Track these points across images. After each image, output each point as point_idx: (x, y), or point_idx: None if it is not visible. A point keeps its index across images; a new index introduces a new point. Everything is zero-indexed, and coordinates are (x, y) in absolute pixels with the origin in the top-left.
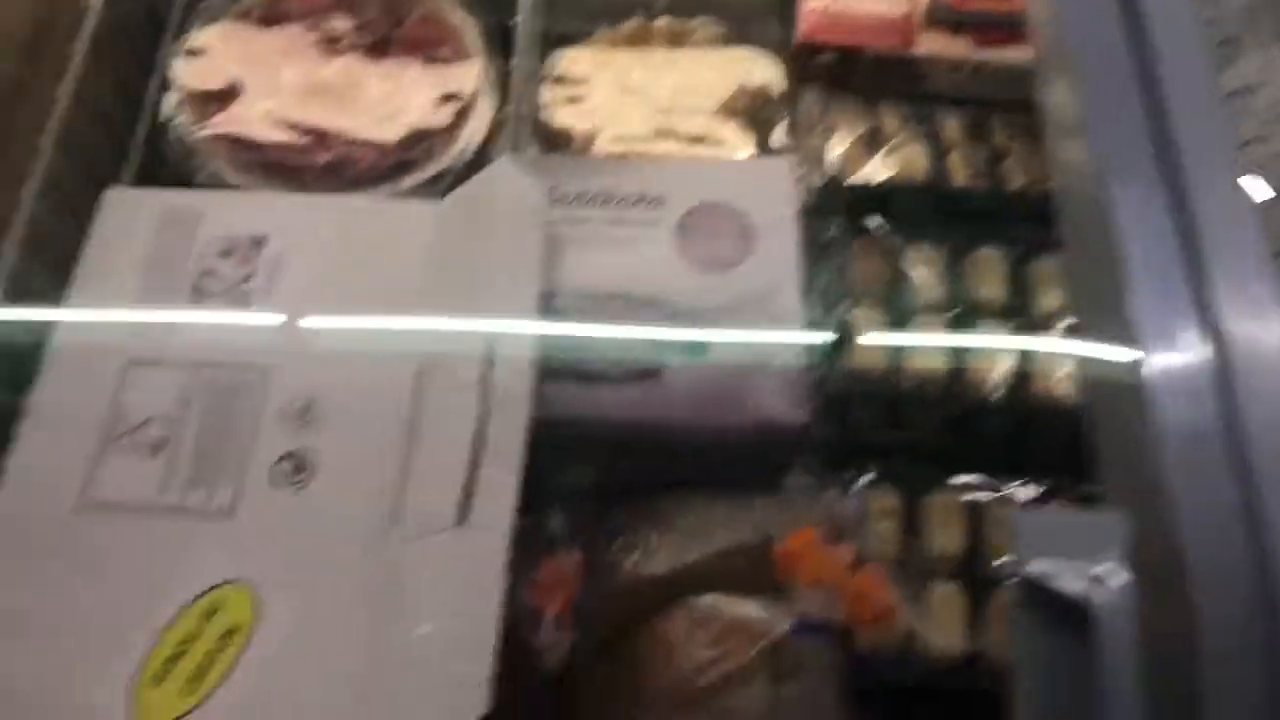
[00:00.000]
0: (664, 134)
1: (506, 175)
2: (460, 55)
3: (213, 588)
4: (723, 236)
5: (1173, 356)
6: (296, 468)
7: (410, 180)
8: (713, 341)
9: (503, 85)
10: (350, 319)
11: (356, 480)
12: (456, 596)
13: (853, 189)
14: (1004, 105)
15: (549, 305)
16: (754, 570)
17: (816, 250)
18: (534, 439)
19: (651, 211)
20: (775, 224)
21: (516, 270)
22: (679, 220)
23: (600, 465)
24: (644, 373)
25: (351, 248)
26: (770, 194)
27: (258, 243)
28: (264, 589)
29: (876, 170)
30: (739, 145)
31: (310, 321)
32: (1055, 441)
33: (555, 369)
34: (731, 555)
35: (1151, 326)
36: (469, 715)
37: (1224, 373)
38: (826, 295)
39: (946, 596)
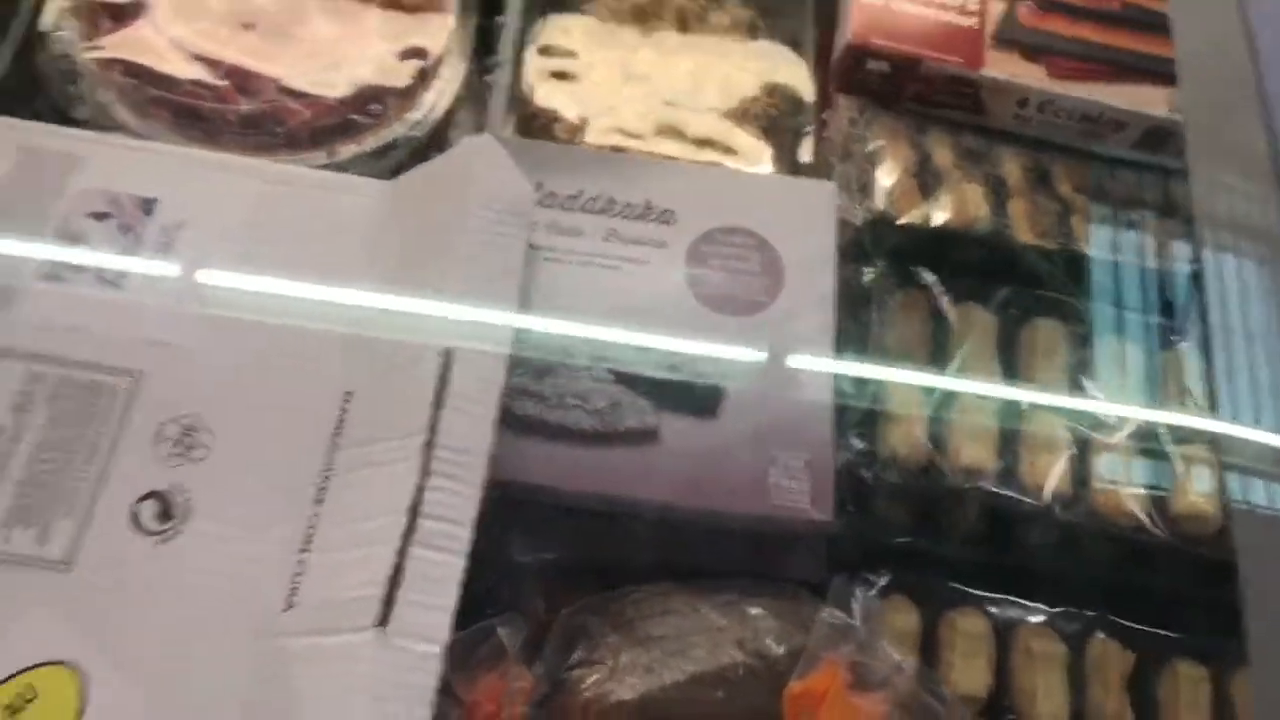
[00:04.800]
0: (666, 132)
1: (486, 159)
2: (430, 5)
3: (28, 668)
4: (746, 272)
5: None
6: (163, 512)
7: (350, 148)
8: (728, 402)
9: (477, 48)
10: (262, 319)
11: (243, 539)
12: None
13: (905, 231)
14: (1068, 153)
15: (521, 336)
16: (746, 705)
17: (851, 299)
18: (483, 509)
19: (659, 229)
20: (810, 262)
21: (489, 283)
22: (692, 245)
23: (563, 548)
24: (639, 433)
25: (272, 227)
26: (806, 223)
27: (146, 206)
28: (97, 676)
29: (929, 212)
30: (755, 156)
31: (206, 317)
32: (1109, 564)
33: (525, 419)
34: (719, 682)
35: None
36: None
37: None
38: (859, 357)
39: None
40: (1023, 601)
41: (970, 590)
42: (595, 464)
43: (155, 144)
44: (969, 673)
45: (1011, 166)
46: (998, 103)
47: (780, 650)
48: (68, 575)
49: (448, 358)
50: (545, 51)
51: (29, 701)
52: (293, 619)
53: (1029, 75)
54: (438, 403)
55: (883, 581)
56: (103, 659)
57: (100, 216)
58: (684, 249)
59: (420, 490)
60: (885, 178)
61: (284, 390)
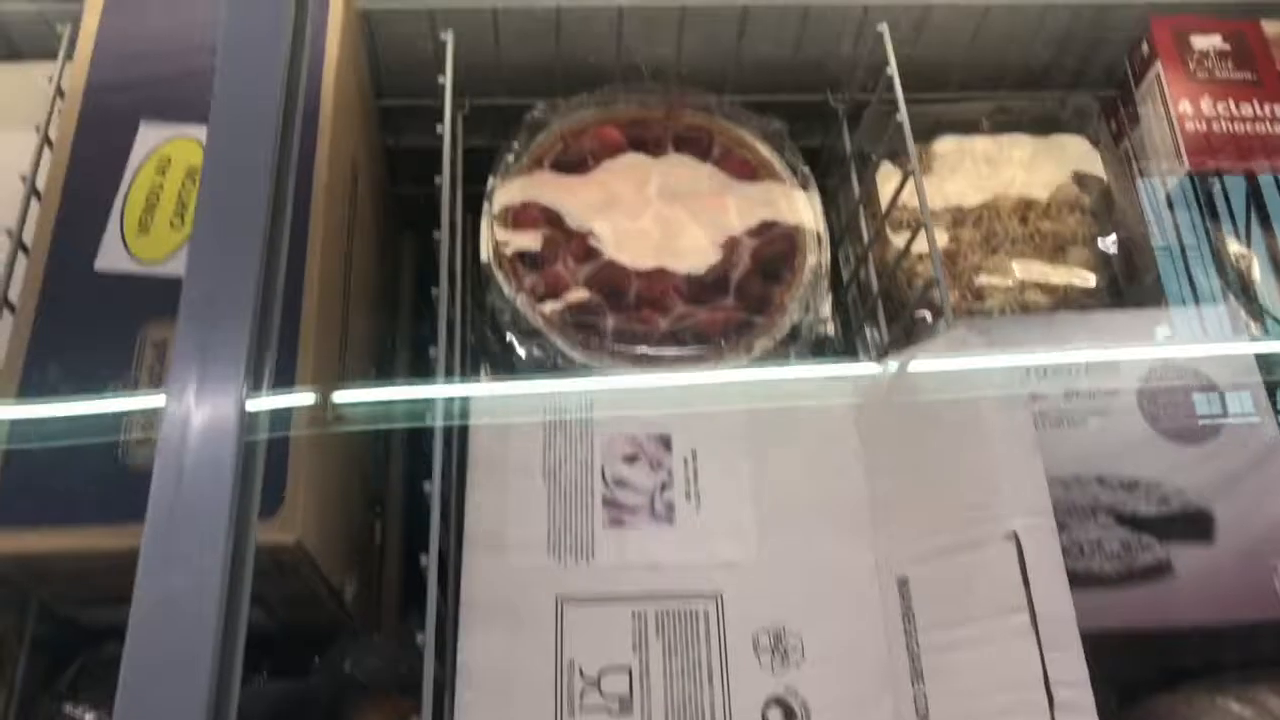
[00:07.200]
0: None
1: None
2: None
3: None
4: (1191, 402)
5: None
6: (787, 713)
7: (764, 342)
8: (1218, 524)
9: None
10: (804, 527)
11: None
12: None
13: None
14: None
15: None
16: None
17: None
18: None
19: (1104, 378)
20: (1239, 379)
21: (1018, 472)
22: (1140, 387)
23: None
24: (1151, 570)
25: (775, 442)
26: (1221, 345)
27: (664, 442)
28: None
29: None
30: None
31: (756, 533)
32: None
33: None
34: None
35: None
36: None
37: None
38: None
39: None
40: None
41: None
42: (1118, 602)
43: (635, 376)
44: None
45: None
46: None
47: None
48: None
49: (1015, 538)
50: None
51: None
52: None
53: None
54: (1025, 580)
55: None
56: None
57: (631, 460)
58: (1133, 392)
59: (1044, 662)
60: None
61: (856, 589)
